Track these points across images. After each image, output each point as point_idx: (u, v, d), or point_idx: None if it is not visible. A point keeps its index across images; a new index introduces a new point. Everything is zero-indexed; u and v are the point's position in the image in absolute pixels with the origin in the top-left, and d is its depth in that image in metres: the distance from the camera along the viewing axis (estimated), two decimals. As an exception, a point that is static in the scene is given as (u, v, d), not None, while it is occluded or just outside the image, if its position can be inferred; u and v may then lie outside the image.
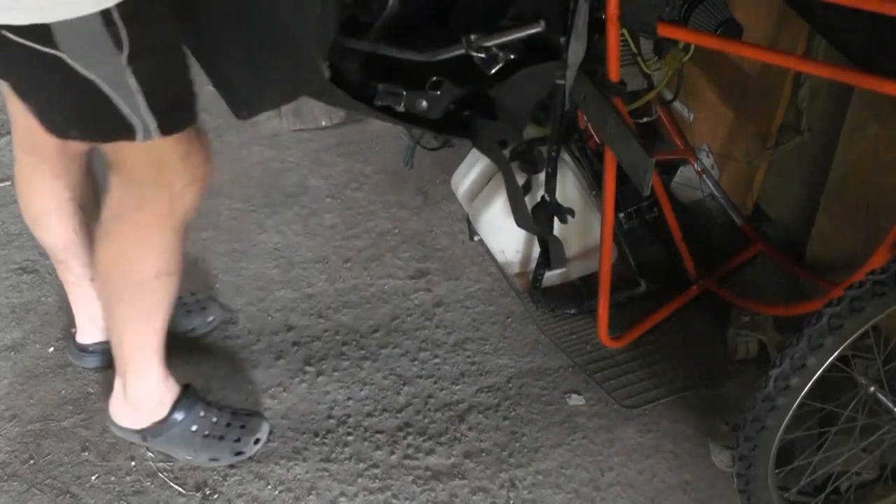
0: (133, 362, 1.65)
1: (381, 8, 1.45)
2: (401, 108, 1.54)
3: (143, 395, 1.68)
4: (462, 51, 1.46)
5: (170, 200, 1.43)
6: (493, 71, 1.48)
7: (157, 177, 1.40)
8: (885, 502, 1.64)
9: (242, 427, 1.74)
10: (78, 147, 1.65)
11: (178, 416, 1.70)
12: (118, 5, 1.15)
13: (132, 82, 1.22)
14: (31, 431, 1.79)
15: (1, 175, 2.47)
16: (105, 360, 1.86)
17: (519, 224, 1.86)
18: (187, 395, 1.72)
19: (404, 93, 1.52)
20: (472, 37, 1.44)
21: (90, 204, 1.73)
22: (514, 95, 1.54)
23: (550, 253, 1.87)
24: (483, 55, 1.46)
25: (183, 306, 1.98)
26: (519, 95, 1.55)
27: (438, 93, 1.53)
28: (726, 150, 2.19)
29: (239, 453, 1.72)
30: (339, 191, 2.43)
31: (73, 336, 1.90)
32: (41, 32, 1.13)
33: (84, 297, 1.82)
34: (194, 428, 1.71)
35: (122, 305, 1.57)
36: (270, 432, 1.78)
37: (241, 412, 1.78)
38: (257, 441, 1.74)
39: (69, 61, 1.17)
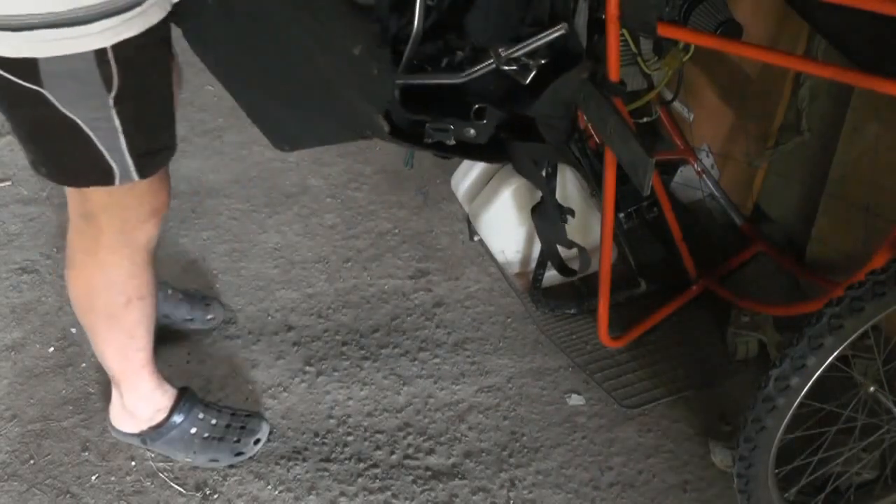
0: (122, 379, 1.66)
1: (405, 36, 1.46)
2: (452, 142, 1.54)
3: (139, 404, 1.69)
4: (492, 65, 1.45)
5: (125, 234, 1.41)
6: (529, 80, 1.48)
7: (110, 212, 1.37)
8: (885, 502, 1.64)
9: (242, 428, 1.74)
10: None
11: (177, 419, 1.70)
12: (115, 45, 1.10)
13: (116, 124, 1.17)
14: (31, 431, 1.79)
15: (1, 175, 2.47)
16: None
17: (546, 248, 1.85)
18: (185, 398, 1.72)
19: (452, 127, 1.52)
20: (500, 50, 1.43)
21: None
22: (552, 107, 1.55)
23: (580, 260, 1.86)
24: (515, 67, 1.46)
25: (186, 297, 1.98)
26: (556, 106, 1.55)
27: (484, 122, 1.53)
28: (726, 150, 2.19)
29: (239, 454, 1.72)
30: (339, 191, 2.43)
31: None
32: (26, 67, 1.08)
33: None
34: (193, 430, 1.71)
35: (99, 332, 1.57)
36: (270, 432, 1.78)
37: (241, 413, 1.77)
38: (257, 441, 1.74)
39: (52, 99, 1.12)
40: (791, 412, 1.38)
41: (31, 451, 1.76)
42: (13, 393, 1.87)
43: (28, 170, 2.48)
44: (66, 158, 1.23)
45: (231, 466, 1.72)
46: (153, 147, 1.27)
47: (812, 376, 1.35)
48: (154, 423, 1.70)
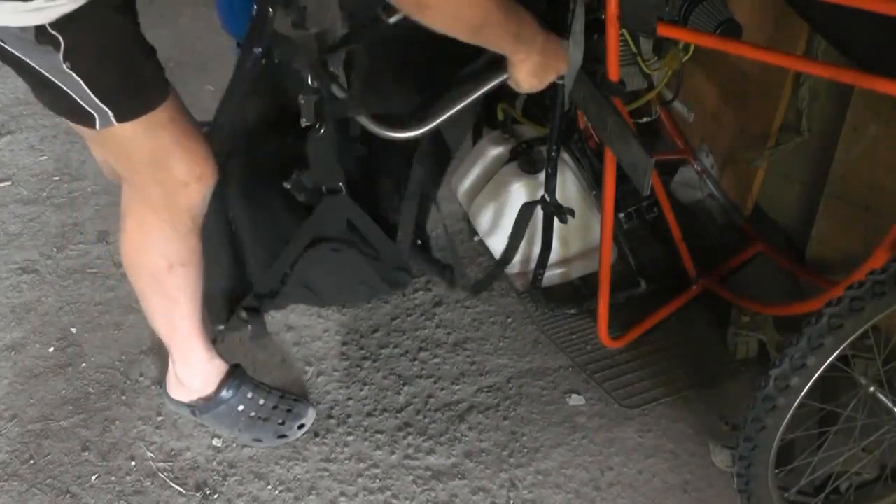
0: (172, 346, 1.70)
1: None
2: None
3: (189, 374, 1.72)
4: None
5: (165, 196, 1.46)
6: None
7: (146, 173, 1.45)
8: (885, 502, 1.64)
9: (288, 411, 1.77)
10: None
11: (225, 394, 1.73)
12: (51, 22, 1.20)
13: (74, 76, 1.28)
14: (31, 431, 1.79)
15: (1, 175, 2.47)
16: None
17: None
18: (235, 375, 1.75)
19: None
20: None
21: None
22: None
23: (456, 274, 1.87)
24: None
25: None
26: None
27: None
28: (726, 150, 2.19)
29: (282, 436, 1.75)
30: (339, 191, 2.43)
31: None
32: None
33: None
34: (241, 408, 1.74)
35: (146, 296, 1.63)
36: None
37: (289, 396, 1.80)
38: (301, 426, 1.76)
39: (22, 56, 1.25)
40: (791, 412, 1.38)
41: (31, 451, 1.76)
42: (13, 393, 1.87)
43: (28, 169, 2.49)
44: (57, 103, 1.36)
45: (231, 466, 1.73)
46: (126, 94, 1.35)
47: (812, 376, 1.35)
48: (204, 395, 1.73)
